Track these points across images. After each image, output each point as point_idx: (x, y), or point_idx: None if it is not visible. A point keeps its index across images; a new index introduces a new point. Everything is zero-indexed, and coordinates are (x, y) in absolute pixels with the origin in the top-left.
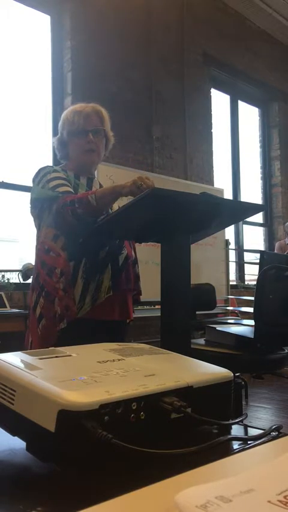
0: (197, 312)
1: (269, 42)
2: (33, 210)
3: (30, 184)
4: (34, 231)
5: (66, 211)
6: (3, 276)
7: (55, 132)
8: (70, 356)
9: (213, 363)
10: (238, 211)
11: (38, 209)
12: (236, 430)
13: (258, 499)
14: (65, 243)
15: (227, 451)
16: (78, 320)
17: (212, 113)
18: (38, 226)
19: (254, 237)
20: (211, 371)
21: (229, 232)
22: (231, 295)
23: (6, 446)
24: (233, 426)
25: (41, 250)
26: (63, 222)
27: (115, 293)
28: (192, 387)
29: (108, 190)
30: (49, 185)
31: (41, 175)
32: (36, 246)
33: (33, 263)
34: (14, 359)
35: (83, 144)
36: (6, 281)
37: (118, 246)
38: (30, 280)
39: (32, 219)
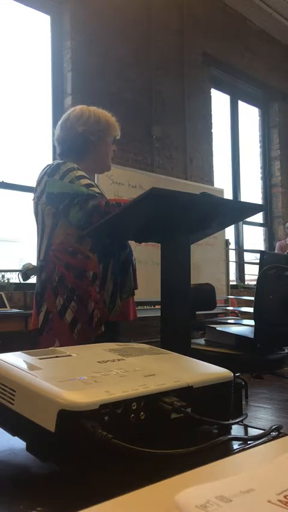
0: (197, 312)
1: (269, 42)
2: (48, 206)
3: (30, 184)
4: (34, 230)
5: (113, 211)
6: (3, 276)
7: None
8: (70, 356)
9: (213, 363)
10: (238, 211)
11: (61, 205)
12: (236, 430)
13: (258, 499)
14: (93, 245)
15: (227, 451)
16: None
17: (212, 113)
18: (53, 225)
19: (254, 237)
20: (211, 371)
21: (229, 232)
22: (231, 295)
23: (6, 446)
24: (233, 426)
25: (63, 252)
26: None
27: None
28: (192, 387)
29: None
30: (81, 182)
31: (64, 170)
32: (50, 246)
33: (34, 263)
34: (14, 359)
35: (110, 150)
36: (6, 281)
37: (130, 248)
38: (31, 281)
39: (34, 217)
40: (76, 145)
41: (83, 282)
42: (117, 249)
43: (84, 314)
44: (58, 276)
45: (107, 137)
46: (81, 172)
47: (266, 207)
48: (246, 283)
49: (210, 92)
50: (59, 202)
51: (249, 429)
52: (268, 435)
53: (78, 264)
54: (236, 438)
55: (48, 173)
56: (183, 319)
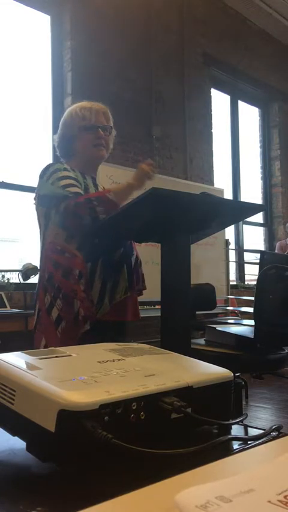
0: (197, 312)
1: (269, 42)
2: (40, 207)
3: (30, 184)
4: (36, 230)
5: (83, 210)
6: (3, 276)
7: (55, 131)
8: (70, 356)
9: (213, 363)
10: (238, 211)
11: (46, 207)
12: (236, 430)
13: (258, 499)
14: (80, 244)
15: (227, 451)
16: (95, 322)
17: (212, 113)
18: (45, 225)
19: (254, 237)
20: (211, 371)
21: (229, 232)
22: (231, 295)
23: (6, 446)
24: (233, 426)
25: (52, 250)
26: (73, 222)
27: (129, 294)
28: (192, 387)
29: (123, 186)
30: (59, 184)
31: (51, 171)
32: (43, 245)
33: (34, 263)
34: (14, 359)
35: (93, 139)
36: (6, 281)
37: (130, 247)
38: (31, 281)
39: (35, 216)
40: (62, 144)
41: (69, 280)
42: (109, 248)
43: (69, 313)
44: (48, 275)
45: (85, 127)
46: (66, 172)
47: (266, 207)
48: (246, 283)
49: (210, 92)
50: (44, 204)
51: (249, 429)
52: (268, 435)
53: (66, 263)
54: (236, 438)
55: (40, 174)
56: (183, 319)
